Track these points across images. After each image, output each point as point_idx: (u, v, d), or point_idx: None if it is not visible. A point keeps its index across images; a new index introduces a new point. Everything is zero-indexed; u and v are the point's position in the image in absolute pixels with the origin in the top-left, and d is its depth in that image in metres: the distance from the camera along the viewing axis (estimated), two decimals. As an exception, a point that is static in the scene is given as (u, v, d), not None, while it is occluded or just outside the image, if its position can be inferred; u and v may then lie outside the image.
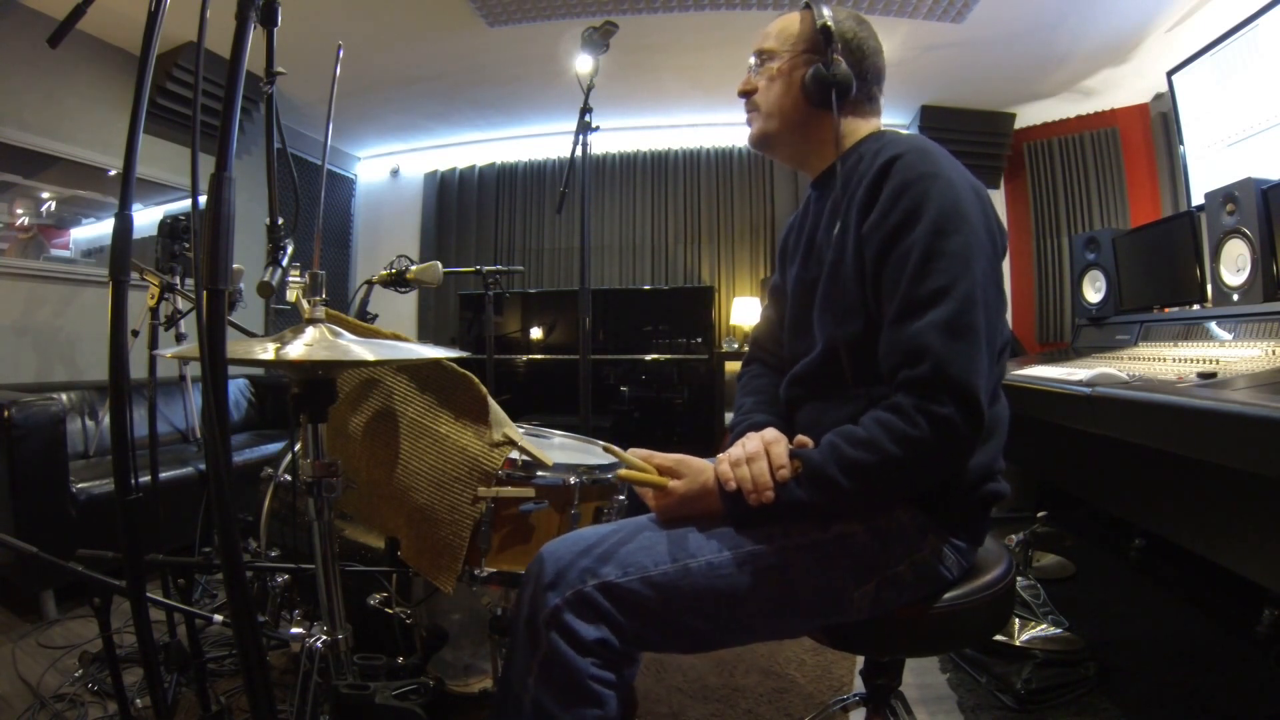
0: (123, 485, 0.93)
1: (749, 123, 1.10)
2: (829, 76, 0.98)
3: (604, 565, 0.84)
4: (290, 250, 1.01)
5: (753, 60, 1.09)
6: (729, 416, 1.19)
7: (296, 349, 0.92)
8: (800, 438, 0.92)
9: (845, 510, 0.89)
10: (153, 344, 1.63)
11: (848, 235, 0.95)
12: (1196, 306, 2.05)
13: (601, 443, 1.16)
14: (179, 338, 2.04)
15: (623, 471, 0.93)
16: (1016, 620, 1.81)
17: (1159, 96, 3.43)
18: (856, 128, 1.05)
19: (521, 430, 1.27)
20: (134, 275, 0.98)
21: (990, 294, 0.86)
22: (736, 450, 0.90)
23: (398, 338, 1.14)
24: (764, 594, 0.87)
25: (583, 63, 2.05)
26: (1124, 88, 3.56)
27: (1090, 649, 1.75)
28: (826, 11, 1.01)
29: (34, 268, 2.91)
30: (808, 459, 0.87)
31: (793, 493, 0.86)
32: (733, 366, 4.01)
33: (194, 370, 2.74)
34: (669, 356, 4.02)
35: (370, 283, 1.77)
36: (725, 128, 4.49)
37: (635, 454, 0.95)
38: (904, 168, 0.89)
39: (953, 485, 0.94)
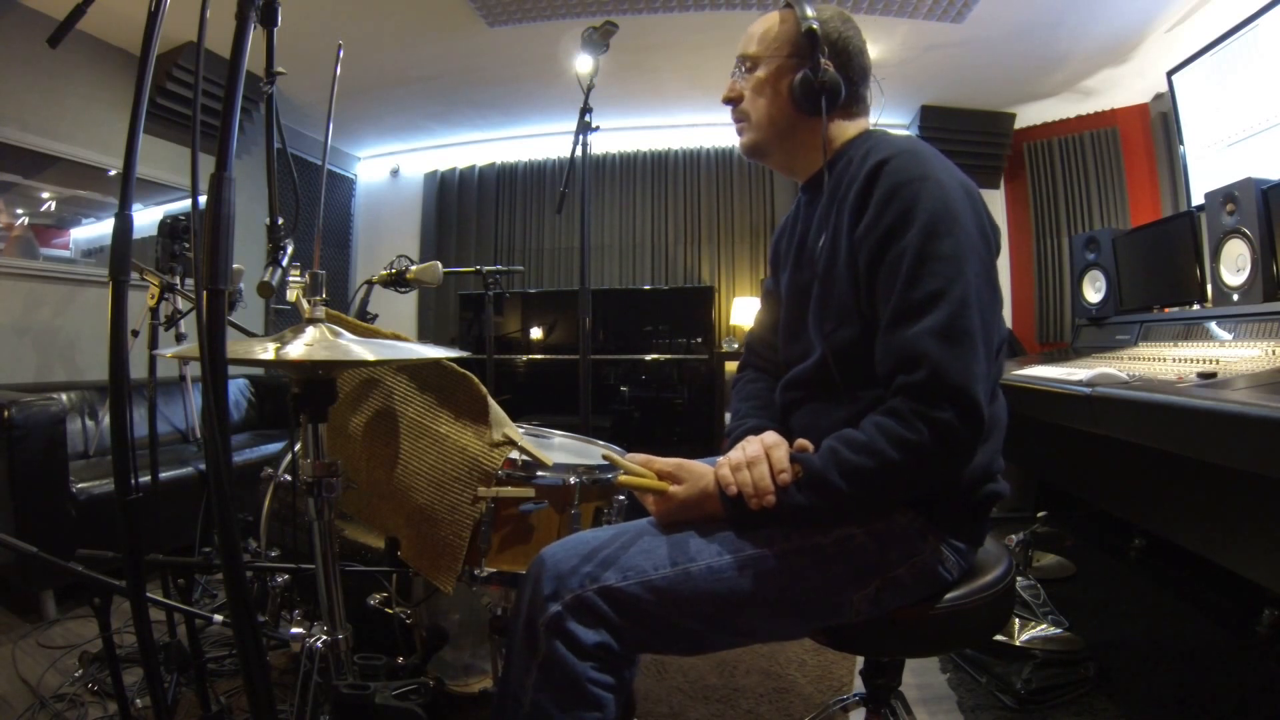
0: (123, 485, 0.92)
1: (739, 132, 1.09)
2: (817, 84, 0.97)
3: (604, 569, 0.84)
4: (290, 250, 1.01)
5: (736, 65, 1.08)
6: (729, 417, 1.19)
7: (296, 349, 0.92)
8: (800, 441, 0.92)
9: (846, 514, 0.88)
10: (153, 344, 1.64)
11: (839, 240, 0.95)
12: (1196, 306, 2.05)
13: (601, 446, 1.15)
14: (179, 338, 2.04)
15: (623, 477, 0.93)
16: (1016, 620, 1.81)
17: (1159, 96, 3.43)
18: (844, 129, 1.04)
19: (521, 430, 1.27)
20: (134, 275, 0.98)
21: (984, 295, 0.86)
22: (737, 454, 0.90)
23: (398, 338, 1.14)
24: (764, 597, 0.87)
25: (583, 63, 2.05)
26: (1124, 88, 3.56)
27: (1090, 649, 1.75)
28: (810, 11, 0.99)
29: (34, 268, 2.91)
30: (808, 463, 0.87)
31: (793, 497, 0.86)
32: (732, 366, 4.00)
33: (194, 370, 2.74)
34: (669, 356, 4.03)
35: (370, 283, 1.77)
36: (725, 128, 4.47)
37: (634, 459, 0.95)
38: (893, 171, 0.88)
39: (952, 487, 0.93)
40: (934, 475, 0.86)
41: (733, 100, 1.08)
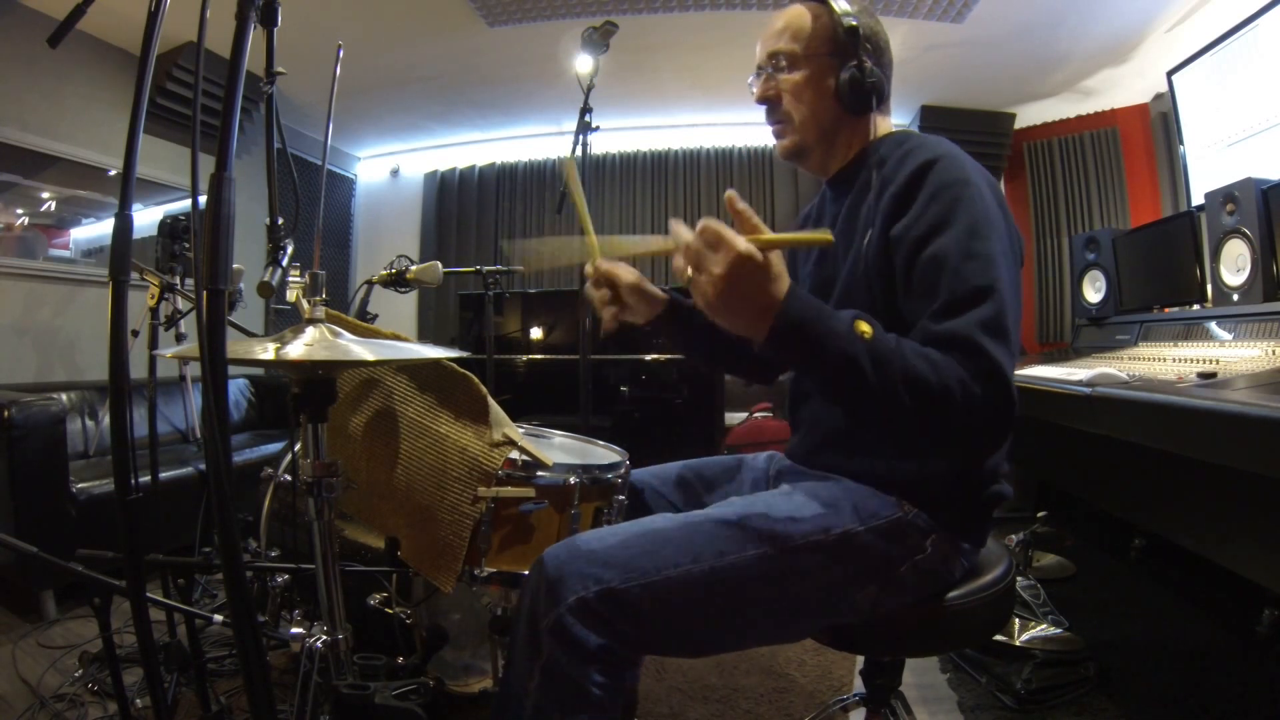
0: (123, 485, 0.92)
1: (778, 134, 1.06)
2: (867, 84, 0.96)
3: (606, 571, 0.83)
4: (290, 250, 1.01)
5: (766, 63, 1.04)
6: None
7: (296, 349, 0.92)
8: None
9: (876, 403, 0.77)
10: (153, 344, 1.64)
11: (871, 237, 0.93)
12: (1196, 306, 2.05)
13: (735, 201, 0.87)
14: (179, 338, 2.04)
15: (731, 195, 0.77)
16: (1016, 620, 1.81)
17: (1159, 96, 3.43)
18: (878, 125, 1.04)
19: (521, 430, 1.27)
20: (134, 275, 0.98)
21: (1015, 301, 0.85)
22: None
23: (398, 338, 1.14)
24: (767, 597, 0.87)
25: (583, 63, 2.05)
26: (1124, 88, 3.56)
27: (1090, 649, 1.75)
28: (846, 6, 0.98)
29: (34, 268, 2.91)
30: (879, 333, 0.77)
31: (855, 345, 0.74)
32: (733, 366, 4.00)
33: (194, 370, 2.74)
34: (669, 356, 4.02)
35: (370, 283, 1.77)
36: (725, 128, 4.48)
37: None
38: (940, 172, 0.88)
39: (957, 485, 0.94)
40: (965, 433, 0.79)
41: (770, 101, 1.05)
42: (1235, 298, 1.78)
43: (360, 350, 0.94)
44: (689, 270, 0.77)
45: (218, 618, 1.25)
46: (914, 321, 0.86)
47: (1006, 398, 0.77)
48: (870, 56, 0.98)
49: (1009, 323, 0.81)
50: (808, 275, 1.10)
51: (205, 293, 0.76)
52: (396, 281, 1.69)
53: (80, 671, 1.69)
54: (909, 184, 0.90)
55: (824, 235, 0.76)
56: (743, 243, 0.72)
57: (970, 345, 0.77)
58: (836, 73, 0.99)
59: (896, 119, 4.26)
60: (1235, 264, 1.79)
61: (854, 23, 0.96)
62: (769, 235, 0.74)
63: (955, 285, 0.82)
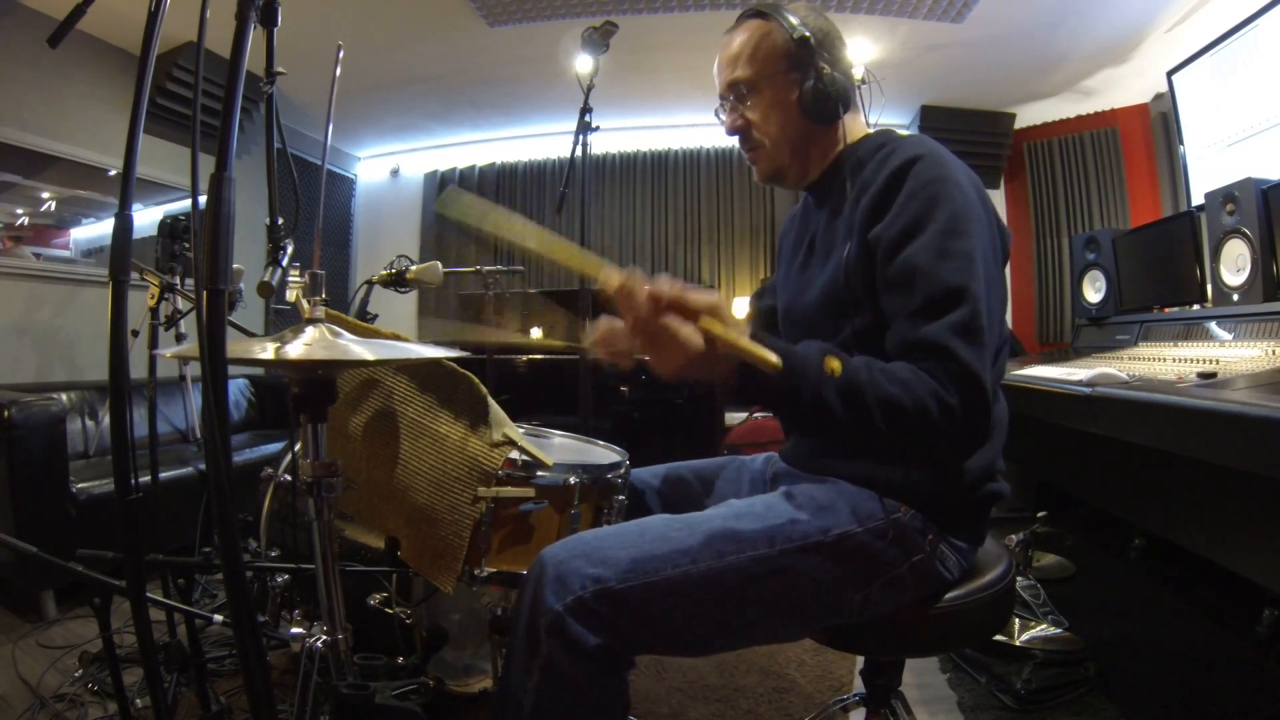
0: (123, 485, 0.93)
1: (752, 161, 1.07)
2: (833, 92, 0.96)
3: (604, 570, 0.83)
4: (290, 250, 1.01)
5: (726, 93, 1.04)
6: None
7: (296, 349, 0.91)
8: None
9: (857, 436, 0.81)
10: (153, 344, 1.64)
11: (850, 248, 0.93)
12: (1196, 306, 2.05)
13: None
14: (179, 338, 2.04)
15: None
16: (1016, 620, 1.81)
17: (1159, 96, 3.43)
18: (848, 128, 1.03)
19: (521, 430, 1.27)
20: (134, 275, 0.98)
21: (994, 299, 0.86)
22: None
23: (398, 338, 1.14)
24: (765, 598, 0.87)
25: (583, 63, 2.05)
26: (1124, 88, 3.56)
27: (1090, 649, 1.75)
28: (793, 19, 0.97)
29: (34, 268, 2.91)
30: (849, 369, 0.79)
31: (827, 394, 0.77)
32: (733, 366, 3.98)
33: (194, 370, 2.74)
34: (669, 356, 4.02)
35: (370, 283, 1.77)
36: (725, 128, 4.49)
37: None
38: (920, 171, 0.88)
39: (952, 485, 0.94)
40: (941, 446, 0.82)
41: (739, 131, 1.05)
42: (1235, 298, 1.78)
43: (360, 350, 0.94)
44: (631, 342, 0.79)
45: (218, 618, 1.25)
46: (891, 318, 0.87)
47: (980, 400, 0.80)
48: (827, 61, 0.97)
49: (983, 322, 0.82)
50: (792, 279, 1.10)
51: (205, 293, 0.76)
52: (396, 281, 1.69)
53: (80, 671, 1.68)
54: (888, 185, 0.90)
55: (770, 358, 0.73)
56: (697, 341, 0.73)
57: (943, 352, 0.80)
58: (798, 87, 0.98)
59: (897, 119, 4.28)
60: (1235, 264, 1.79)
61: (805, 33, 0.96)
62: (720, 331, 0.74)
63: (931, 287, 0.83)
